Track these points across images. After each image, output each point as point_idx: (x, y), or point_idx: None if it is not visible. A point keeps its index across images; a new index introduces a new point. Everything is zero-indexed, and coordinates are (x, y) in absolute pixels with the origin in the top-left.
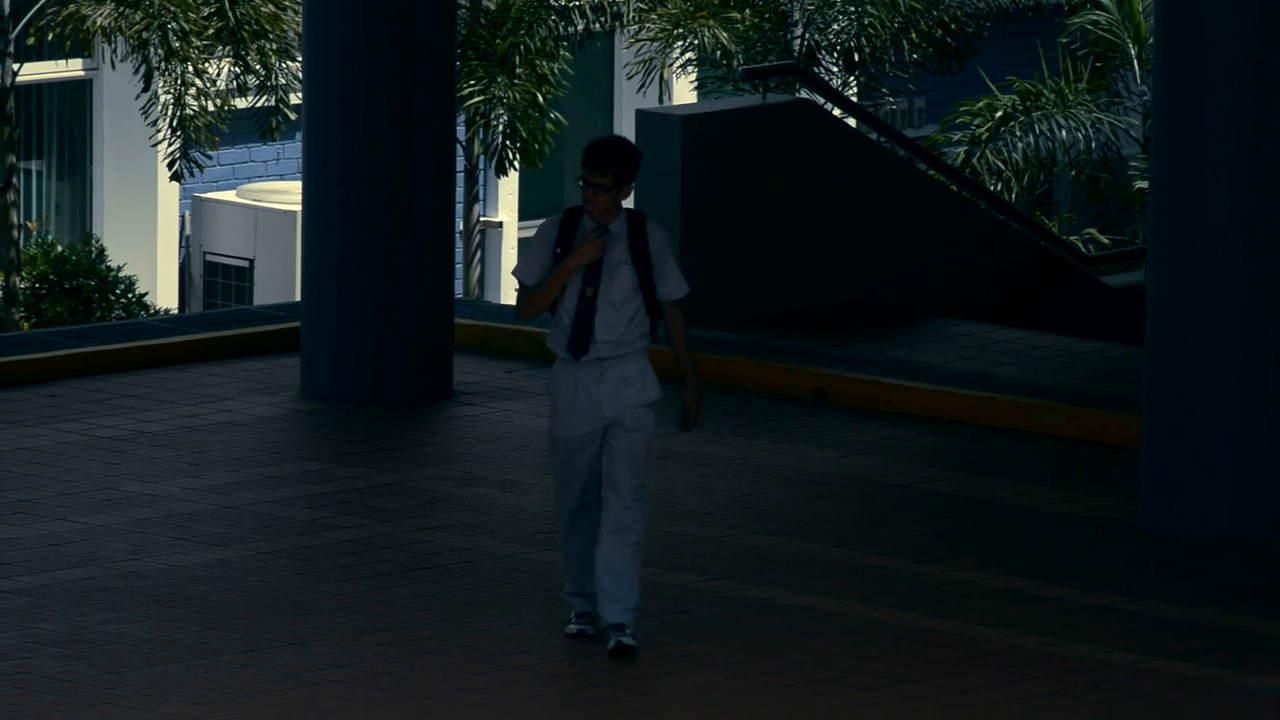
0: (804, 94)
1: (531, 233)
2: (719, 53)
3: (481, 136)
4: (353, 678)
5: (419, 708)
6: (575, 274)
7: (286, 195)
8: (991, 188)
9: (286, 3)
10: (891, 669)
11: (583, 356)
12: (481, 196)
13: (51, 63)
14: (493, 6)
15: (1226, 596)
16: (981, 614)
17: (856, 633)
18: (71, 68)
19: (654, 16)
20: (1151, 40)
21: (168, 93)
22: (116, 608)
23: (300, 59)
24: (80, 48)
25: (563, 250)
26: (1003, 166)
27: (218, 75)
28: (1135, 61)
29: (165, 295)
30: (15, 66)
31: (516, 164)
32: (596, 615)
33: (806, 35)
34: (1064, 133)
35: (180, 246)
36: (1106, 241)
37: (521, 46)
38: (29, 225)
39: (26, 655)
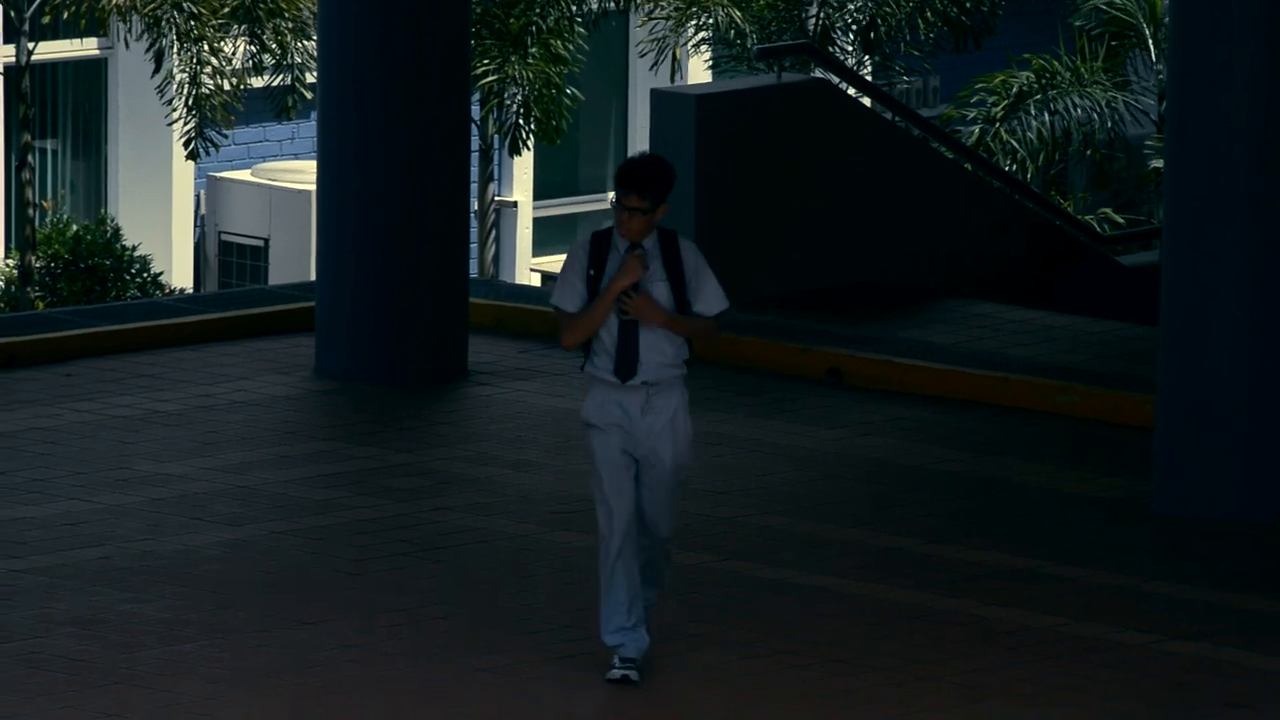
0: (819, 73)
1: (546, 213)
2: (733, 32)
3: (496, 116)
4: (367, 657)
5: (433, 687)
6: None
7: (301, 174)
8: (1006, 167)
9: None
10: (905, 649)
11: (630, 380)
12: (496, 176)
13: (66, 41)
14: None
15: (1238, 578)
16: (994, 594)
17: (870, 613)
18: (86, 47)
19: None
20: (1167, 19)
21: (183, 71)
22: (131, 587)
23: (315, 38)
24: (95, 26)
25: (596, 273)
26: (1017, 146)
27: (233, 54)
28: (1150, 41)
29: (180, 275)
30: (30, 45)
31: (531, 143)
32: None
33: (821, 14)
34: (1079, 112)
35: (195, 226)
36: (1121, 221)
37: (535, 26)
38: (44, 204)
39: (41, 634)
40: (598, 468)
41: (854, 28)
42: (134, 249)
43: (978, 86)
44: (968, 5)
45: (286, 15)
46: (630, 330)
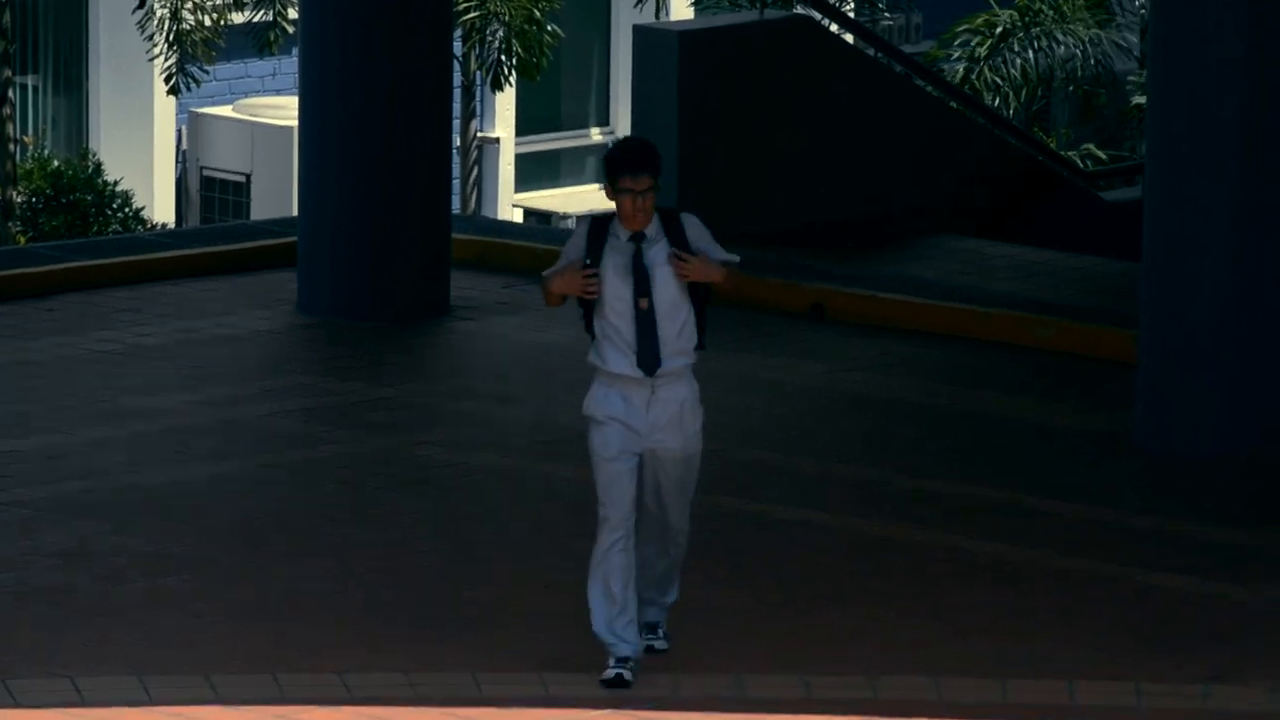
0: (801, 9)
1: (528, 149)
2: None
3: (478, 52)
4: (350, 589)
5: (416, 618)
6: (621, 284)
7: (283, 110)
8: (990, 104)
9: None
10: (889, 584)
11: (657, 371)
12: (479, 112)
13: None
14: None
15: (1220, 511)
16: (978, 528)
17: (854, 547)
18: None
19: None
20: None
21: (164, 6)
22: (114, 520)
23: None
24: None
25: (593, 261)
26: (1000, 82)
27: None
28: None
29: (162, 210)
30: None
31: (512, 79)
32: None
33: None
34: (1062, 49)
35: (177, 161)
36: (1104, 157)
37: None
38: (25, 140)
39: (25, 567)
40: (595, 465)
41: None
42: (115, 184)
43: (961, 29)
44: None
45: None
46: (649, 322)
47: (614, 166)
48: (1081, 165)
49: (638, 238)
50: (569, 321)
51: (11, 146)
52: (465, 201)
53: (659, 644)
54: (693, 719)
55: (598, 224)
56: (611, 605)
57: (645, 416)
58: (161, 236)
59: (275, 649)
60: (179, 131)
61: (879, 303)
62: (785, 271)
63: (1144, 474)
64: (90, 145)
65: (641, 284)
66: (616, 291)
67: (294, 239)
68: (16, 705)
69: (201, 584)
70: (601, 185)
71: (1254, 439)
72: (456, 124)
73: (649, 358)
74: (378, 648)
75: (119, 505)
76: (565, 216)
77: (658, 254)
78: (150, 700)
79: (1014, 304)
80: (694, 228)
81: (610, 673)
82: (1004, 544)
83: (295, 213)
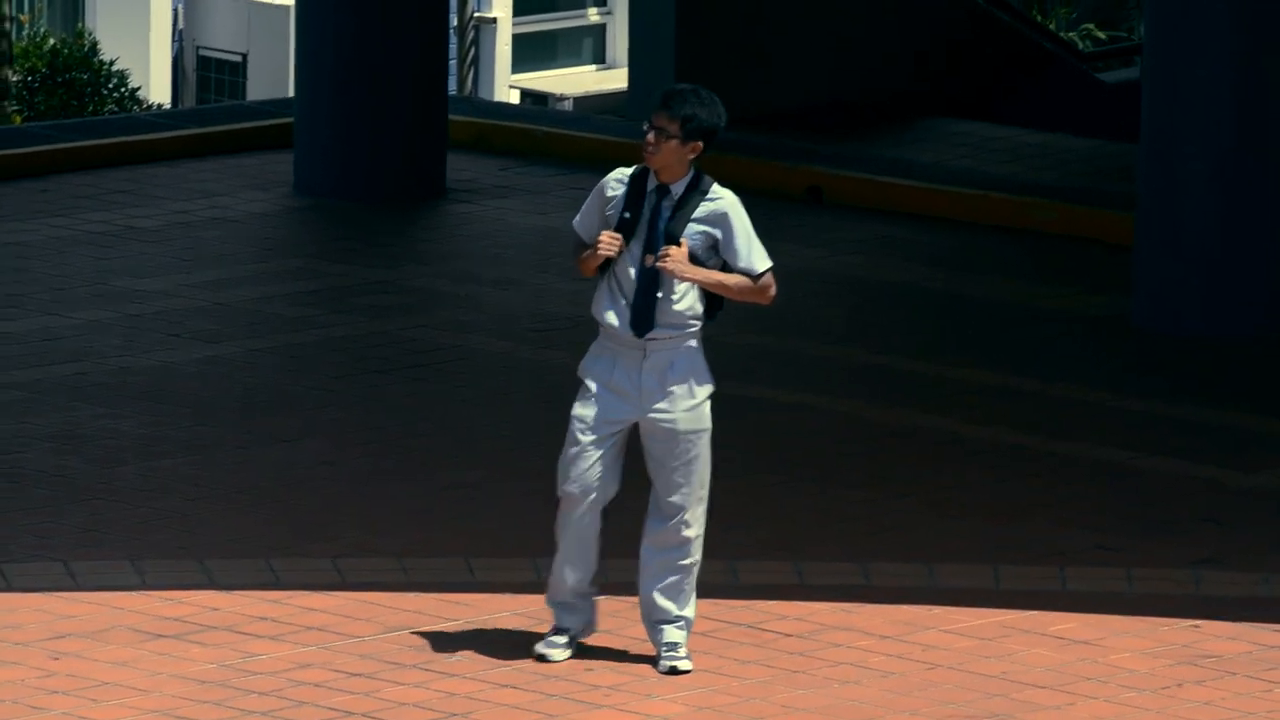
0: None
1: (525, 29)
2: None
3: None
4: (344, 474)
5: (410, 503)
6: (633, 239)
7: None
8: None
9: None
10: (881, 466)
11: (647, 333)
12: None
13: None
14: None
15: (1215, 394)
16: (971, 410)
17: (848, 430)
18: None
19: None
20: None
21: None
22: (108, 403)
23: None
24: None
25: (631, 216)
26: None
27: None
28: None
29: (158, 90)
30: None
31: None
32: (652, 638)
33: None
34: None
35: (173, 41)
36: (1104, 37)
37: None
38: (21, 18)
39: (20, 449)
40: (571, 425)
41: None
42: (111, 63)
43: None
44: None
45: None
46: (651, 280)
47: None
48: (1080, 46)
49: (661, 190)
50: (567, 206)
51: (7, 25)
52: (462, 83)
53: (683, 664)
54: None
55: (638, 176)
56: (559, 573)
57: (637, 380)
58: (157, 117)
59: (269, 533)
60: (175, 10)
61: (876, 185)
62: (782, 154)
63: (1140, 355)
64: (86, 24)
65: (653, 240)
66: (630, 243)
67: (290, 120)
68: (10, 589)
69: (196, 468)
70: (599, 68)
71: (1251, 321)
72: (453, 3)
73: (643, 318)
74: (371, 532)
75: (113, 388)
76: (562, 98)
77: (680, 220)
78: (144, 585)
79: (1013, 187)
80: (721, 212)
81: (539, 646)
82: (997, 426)
83: (292, 93)
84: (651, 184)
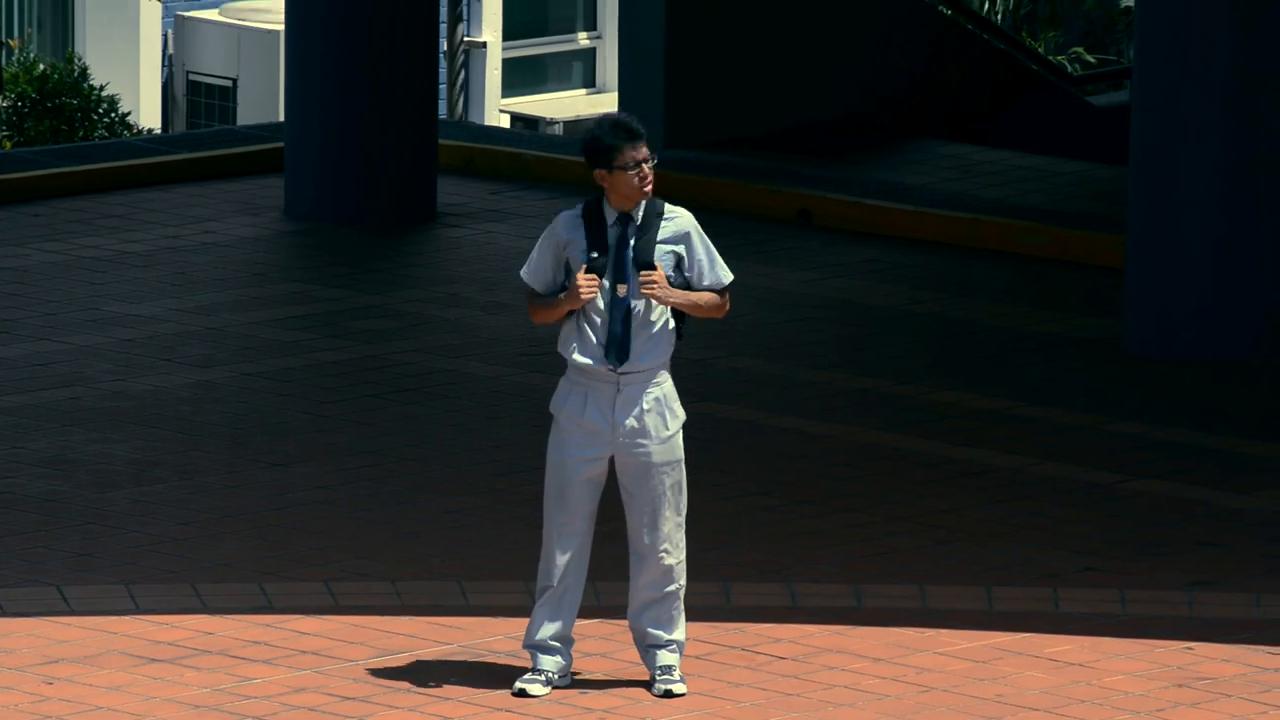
0: None
1: (515, 53)
2: None
3: None
4: (336, 499)
5: (403, 529)
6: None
7: (270, 14)
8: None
9: None
10: (874, 490)
11: (624, 365)
12: (465, 16)
13: None
14: None
15: (1206, 417)
16: (963, 435)
17: (839, 454)
18: None
19: None
20: None
21: None
22: (101, 428)
23: None
24: None
25: (599, 254)
26: None
27: None
28: None
29: (148, 115)
30: None
31: None
32: (647, 662)
33: None
34: None
35: (163, 66)
36: (1093, 60)
37: None
38: (11, 43)
39: (12, 474)
40: (548, 469)
41: None
42: (102, 88)
43: None
44: None
45: None
46: (623, 310)
47: (615, 136)
48: (1069, 69)
49: (624, 219)
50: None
51: None
52: (452, 107)
53: (677, 687)
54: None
55: (590, 211)
56: (539, 615)
57: (610, 416)
58: (148, 142)
59: (262, 557)
60: (165, 35)
61: (866, 209)
62: (771, 177)
63: (1130, 379)
64: (76, 49)
65: (620, 268)
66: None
67: (280, 144)
68: (3, 614)
69: (188, 493)
70: (589, 92)
71: (1241, 344)
72: (443, 28)
73: (621, 349)
74: (364, 556)
75: (106, 413)
76: (552, 122)
77: (647, 244)
78: (137, 609)
79: (1003, 211)
80: (684, 231)
81: (517, 684)
82: (989, 450)
83: (282, 118)
84: (611, 217)
